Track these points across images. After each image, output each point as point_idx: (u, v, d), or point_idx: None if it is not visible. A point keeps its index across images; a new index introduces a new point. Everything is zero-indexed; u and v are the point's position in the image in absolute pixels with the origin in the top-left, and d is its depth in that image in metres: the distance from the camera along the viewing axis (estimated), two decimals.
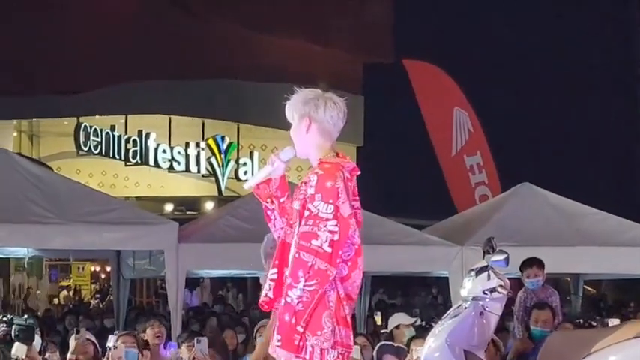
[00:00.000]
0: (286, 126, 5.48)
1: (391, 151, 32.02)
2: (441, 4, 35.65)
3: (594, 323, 11.64)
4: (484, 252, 8.18)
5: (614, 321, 10.72)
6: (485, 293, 7.64)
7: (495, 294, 7.65)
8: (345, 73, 32.81)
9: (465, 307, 7.72)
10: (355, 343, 9.92)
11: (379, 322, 15.31)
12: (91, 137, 29.91)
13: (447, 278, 13.85)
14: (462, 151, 22.81)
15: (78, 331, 9.72)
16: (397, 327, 10.60)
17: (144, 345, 9.95)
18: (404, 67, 23.63)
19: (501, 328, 10.70)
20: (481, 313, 7.62)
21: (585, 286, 34.68)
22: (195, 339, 9.45)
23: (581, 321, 11.49)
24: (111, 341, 9.08)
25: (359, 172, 5.41)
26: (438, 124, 23.12)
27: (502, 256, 7.95)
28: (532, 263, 10.93)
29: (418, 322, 10.70)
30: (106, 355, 9.03)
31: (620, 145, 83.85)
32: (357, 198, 5.43)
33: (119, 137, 30.37)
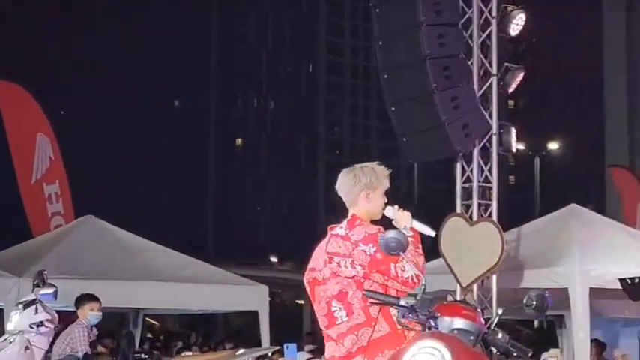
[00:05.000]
0: None
1: None
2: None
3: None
4: (34, 285, 8.03)
5: (188, 353, 10.85)
6: (32, 327, 7.48)
7: (42, 328, 7.53)
8: None
9: (11, 342, 7.52)
10: None
11: None
12: None
13: None
14: (42, 178, 22.22)
15: None
16: None
17: None
18: None
19: None
20: (27, 348, 7.46)
21: (150, 320, 35.12)
22: None
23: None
24: None
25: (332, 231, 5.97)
26: (21, 149, 22.44)
27: (51, 290, 7.85)
28: (93, 297, 10.83)
29: None
30: None
31: (195, 177, 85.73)
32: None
33: None
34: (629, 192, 26.58)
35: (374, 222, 6.00)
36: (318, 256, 5.93)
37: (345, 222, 5.94)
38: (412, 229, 5.90)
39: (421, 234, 6.00)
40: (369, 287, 5.68)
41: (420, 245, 5.87)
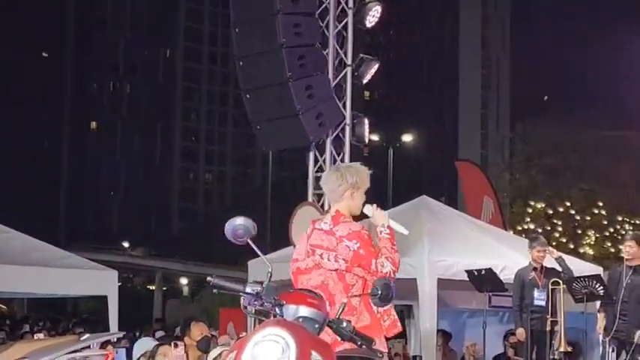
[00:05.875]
0: None
1: None
2: None
3: None
4: None
5: (39, 336, 10.61)
6: None
7: None
8: None
9: None
10: None
11: None
12: None
13: None
14: None
15: None
16: None
17: None
18: None
19: None
20: None
21: None
22: None
23: None
24: None
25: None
26: None
27: None
28: None
29: None
30: None
31: (48, 160, 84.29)
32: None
33: None
34: (476, 186, 27.06)
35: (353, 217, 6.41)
36: (301, 247, 6.32)
37: (329, 217, 6.33)
38: (388, 227, 6.36)
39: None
40: (349, 280, 6.09)
41: (396, 243, 6.31)
